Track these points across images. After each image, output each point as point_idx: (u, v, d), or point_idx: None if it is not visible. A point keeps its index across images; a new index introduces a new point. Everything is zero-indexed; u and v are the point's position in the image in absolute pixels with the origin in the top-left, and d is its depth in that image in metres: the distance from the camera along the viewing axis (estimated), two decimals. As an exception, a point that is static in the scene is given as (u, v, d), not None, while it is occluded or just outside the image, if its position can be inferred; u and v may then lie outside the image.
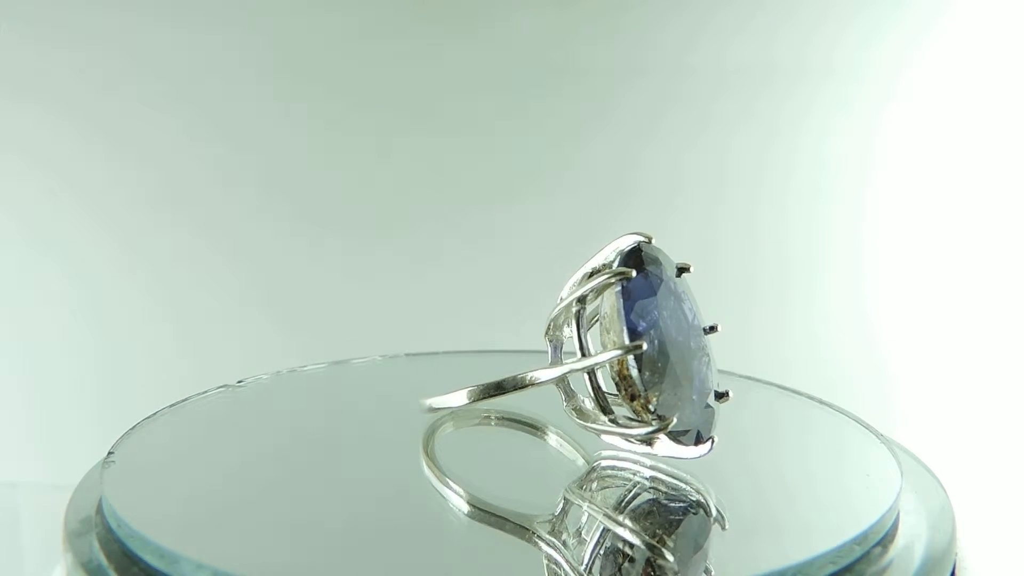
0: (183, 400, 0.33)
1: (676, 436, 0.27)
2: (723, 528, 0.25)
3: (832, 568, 0.23)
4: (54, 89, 0.51)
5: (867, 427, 0.31)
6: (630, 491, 0.27)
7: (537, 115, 0.50)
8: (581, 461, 0.29)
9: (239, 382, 0.35)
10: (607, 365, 0.26)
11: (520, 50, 0.50)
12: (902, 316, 0.50)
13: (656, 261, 0.27)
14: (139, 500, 0.26)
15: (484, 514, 0.26)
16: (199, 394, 0.33)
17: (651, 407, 0.26)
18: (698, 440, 0.27)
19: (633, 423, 0.27)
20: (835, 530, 0.25)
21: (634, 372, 0.26)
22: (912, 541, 0.25)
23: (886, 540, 0.25)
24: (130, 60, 0.51)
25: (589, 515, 0.26)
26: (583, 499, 0.27)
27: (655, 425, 0.26)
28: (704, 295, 0.50)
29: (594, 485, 0.28)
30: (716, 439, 0.27)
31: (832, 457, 0.31)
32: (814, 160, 0.50)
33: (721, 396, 0.28)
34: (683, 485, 0.27)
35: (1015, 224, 0.49)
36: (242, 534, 0.26)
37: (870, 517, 0.25)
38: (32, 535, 0.52)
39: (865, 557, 0.24)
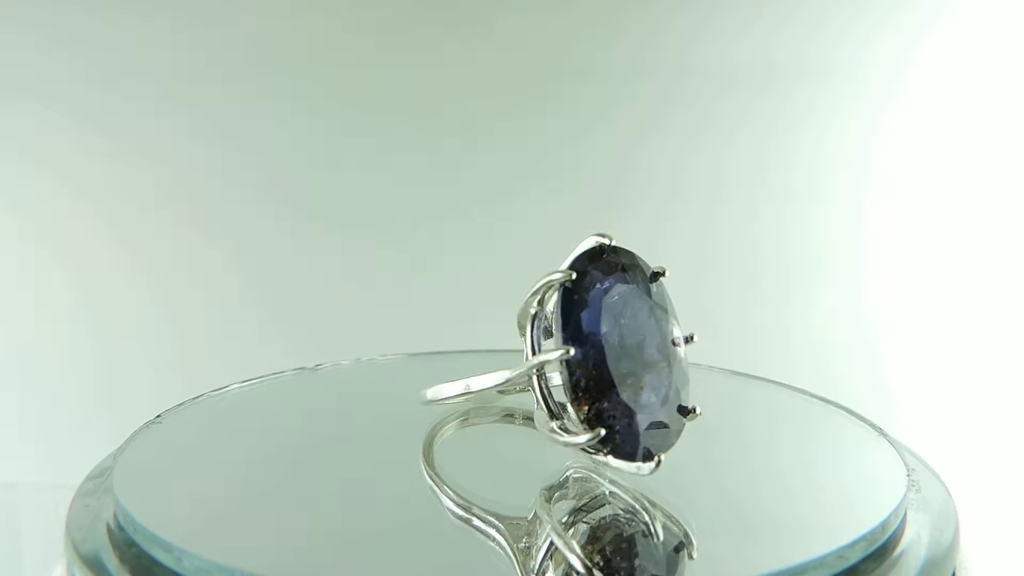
0: (259, 378, 0.34)
1: (620, 450, 0.26)
2: (691, 557, 0.24)
3: (836, 569, 0.23)
4: (54, 89, 0.51)
5: (872, 426, 0.30)
6: (588, 504, 0.27)
7: (537, 115, 0.50)
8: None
9: (317, 366, 0.35)
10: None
11: (520, 50, 0.50)
12: (902, 315, 0.50)
13: (617, 265, 0.27)
14: (145, 498, 0.26)
15: (462, 515, 0.26)
16: (274, 374, 0.34)
17: (580, 416, 0.26)
18: (647, 457, 0.26)
19: (572, 431, 0.26)
20: (840, 531, 0.24)
21: (565, 378, 0.26)
22: (914, 541, 0.25)
23: (892, 541, 0.25)
24: (130, 60, 0.51)
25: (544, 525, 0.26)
26: (543, 508, 0.26)
27: (585, 436, 0.25)
28: (704, 295, 0.50)
29: (563, 493, 0.27)
30: (662, 458, 0.26)
31: (837, 456, 0.31)
32: (814, 160, 0.50)
33: (687, 412, 0.26)
34: (635, 504, 0.26)
35: (1014, 224, 0.49)
36: (247, 533, 0.26)
37: (876, 517, 0.25)
38: (32, 535, 0.52)
39: (870, 558, 0.24)
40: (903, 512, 0.25)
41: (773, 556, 0.24)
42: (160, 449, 0.29)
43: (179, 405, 0.32)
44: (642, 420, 0.26)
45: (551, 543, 0.24)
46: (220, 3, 0.50)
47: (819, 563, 0.23)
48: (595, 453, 0.26)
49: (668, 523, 0.25)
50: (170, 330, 0.52)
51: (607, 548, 0.24)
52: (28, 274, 0.52)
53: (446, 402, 0.29)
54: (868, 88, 0.49)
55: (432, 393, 0.30)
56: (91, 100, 0.51)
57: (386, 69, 0.50)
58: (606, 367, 0.25)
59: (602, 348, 0.26)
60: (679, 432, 0.26)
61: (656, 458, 0.26)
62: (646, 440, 0.26)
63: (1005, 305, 0.49)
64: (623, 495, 0.26)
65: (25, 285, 0.53)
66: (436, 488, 0.27)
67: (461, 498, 0.27)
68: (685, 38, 0.49)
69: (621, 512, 0.26)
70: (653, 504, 0.26)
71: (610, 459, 0.26)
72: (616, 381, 0.26)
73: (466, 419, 0.31)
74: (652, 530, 0.25)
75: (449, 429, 0.30)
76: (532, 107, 0.50)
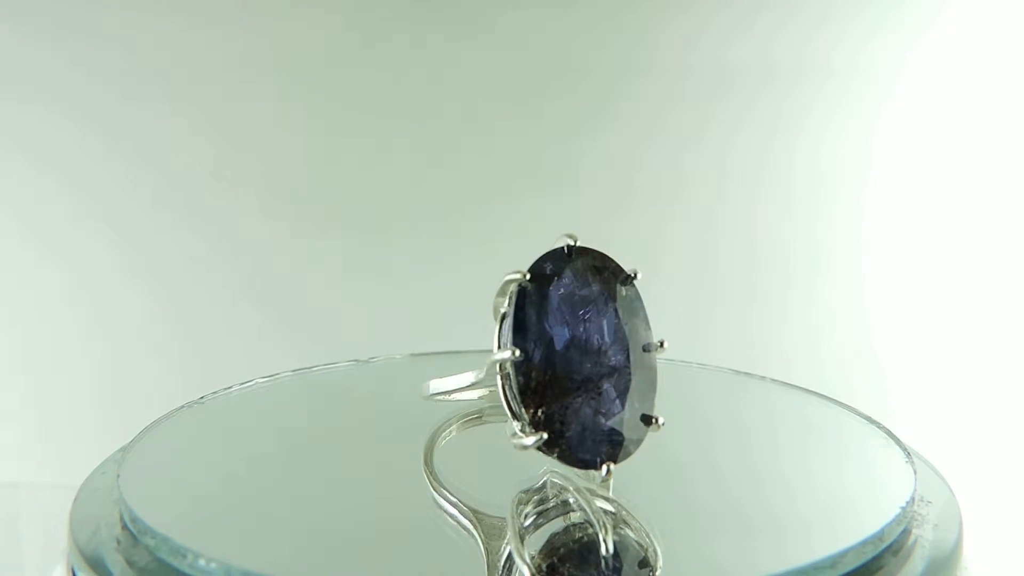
0: (310, 367, 0.34)
1: (567, 456, 0.25)
2: (653, 574, 0.23)
3: (840, 570, 0.23)
4: (54, 89, 0.51)
5: (877, 425, 0.30)
6: (556, 508, 0.26)
7: (537, 115, 0.50)
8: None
9: (371, 358, 0.35)
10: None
11: (520, 50, 0.50)
12: (902, 315, 0.50)
13: (584, 267, 0.26)
14: (150, 496, 0.26)
15: (453, 513, 0.26)
16: (325, 364, 0.34)
17: (528, 418, 0.25)
18: (595, 464, 0.25)
19: (523, 433, 0.25)
20: (845, 532, 0.24)
21: (515, 379, 0.25)
22: (918, 541, 0.25)
23: (897, 542, 0.25)
24: (130, 60, 0.51)
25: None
26: (510, 511, 0.25)
27: (531, 439, 0.25)
28: (704, 295, 0.50)
29: (543, 495, 0.27)
30: (612, 468, 0.25)
31: (841, 455, 0.31)
32: (814, 160, 0.50)
33: (649, 421, 0.26)
34: (591, 515, 0.25)
35: (1014, 223, 0.49)
36: (253, 532, 0.26)
37: (882, 519, 0.24)
38: (32, 535, 0.52)
39: (874, 560, 0.24)
40: (910, 514, 0.25)
41: (777, 558, 0.24)
42: (167, 446, 0.29)
43: (227, 389, 0.32)
44: (596, 426, 0.25)
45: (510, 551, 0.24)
46: (220, 3, 0.50)
47: (823, 564, 0.23)
48: (548, 456, 0.25)
49: (638, 536, 0.25)
50: (171, 330, 0.52)
51: (556, 557, 0.24)
52: (28, 274, 0.52)
53: (449, 398, 0.29)
54: (868, 88, 0.49)
55: (431, 387, 0.30)
56: (91, 100, 0.51)
57: (386, 68, 0.50)
58: (558, 369, 0.25)
59: (554, 350, 0.25)
60: (639, 442, 0.26)
61: (605, 467, 0.25)
62: (599, 447, 0.25)
63: (1006, 304, 0.49)
64: (584, 504, 0.25)
65: (25, 285, 0.52)
66: (433, 488, 0.27)
67: (454, 497, 0.27)
68: (685, 38, 0.49)
69: (585, 521, 0.25)
70: (607, 514, 0.25)
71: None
72: (568, 384, 0.25)
73: (479, 418, 0.30)
74: (601, 541, 0.24)
75: (454, 429, 0.30)
76: (532, 107, 0.50)
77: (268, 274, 0.52)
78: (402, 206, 0.52)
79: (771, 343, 0.51)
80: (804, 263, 0.50)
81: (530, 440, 0.25)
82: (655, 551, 0.24)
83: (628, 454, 0.26)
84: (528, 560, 0.23)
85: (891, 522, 0.24)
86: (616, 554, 0.24)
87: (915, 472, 0.27)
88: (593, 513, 0.25)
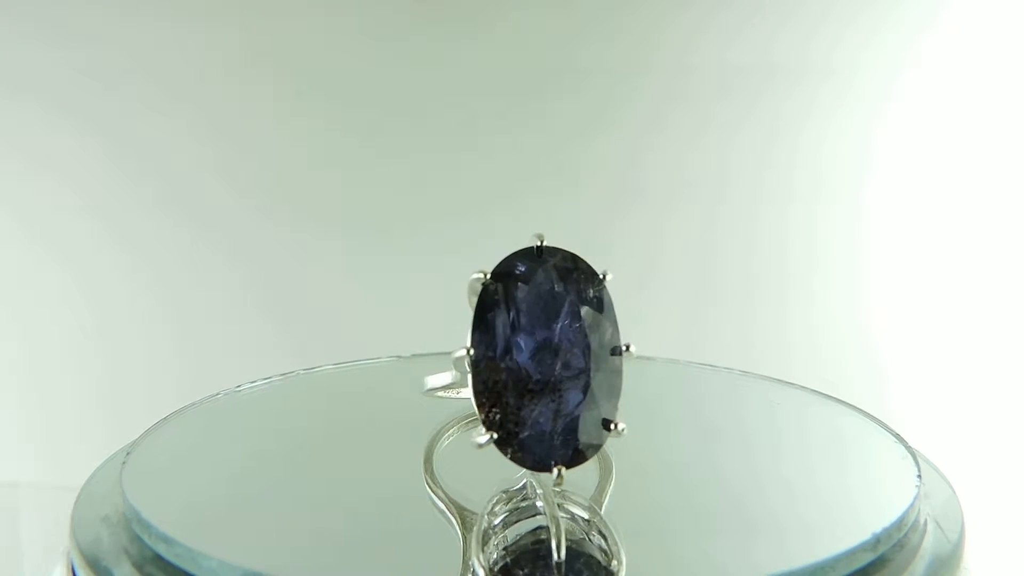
0: (352, 361, 0.34)
1: (518, 456, 0.25)
2: None
3: (843, 571, 0.23)
4: (54, 89, 0.51)
5: (881, 424, 0.30)
6: (527, 508, 0.26)
7: (538, 116, 0.50)
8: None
9: (414, 355, 0.36)
10: None
11: (520, 50, 0.50)
12: (902, 315, 0.50)
13: (552, 267, 0.25)
14: (152, 495, 0.26)
15: (445, 511, 0.26)
16: (369, 359, 0.35)
17: (481, 416, 0.25)
18: (547, 466, 0.25)
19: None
20: (848, 532, 0.24)
21: (471, 378, 0.25)
22: (920, 541, 0.25)
23: (900, 542, 0.24)
24: (130, 60, 0.51)
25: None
26: (484, 510, 0.25)
27: (483, 437, 0.24)
28: (704, 294, 0.50)
29: (516, 497, 0.26)
30: (562, 471, 0.25)
31: (844, 455, 0.31)
32: (814, 160, 0.50)
33: (609, 425, 0.25)
34: (549, 520, 0.24)
35: (1014, 223, 0.49)
36: (252, 531, 0.26)
37: (886, 519, 0.24)
38: (32, 535, 0.52)
39: (877, 561, 0.24)
40: (912, 514, 0.25)
41: (778, 558, 0.24)
42: (169, 446, 0.29)
43: (266, 379, 0.32)
44: (553, 429, 0.25)
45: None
46: (220, 3, 0.50)
47: (824, 565, 0.23)
48: (504, 456, 0.25)
49: (610, 545, 0.24)
50: (172, 330, 0.52)
51: (510, 558, 0.24)
52: (29, 274, 0.52)
53: (458, 395, 0.29)
54: (868, 88, 0.49)
55: (427, 384, 0.30)
56: (91, 100, 0.51)
57: (386, 69, 0.50)
58: (519, 370, 0.25)
59: (516, 350, 0.25)
60: (597, 446, 0.25)
61: (556, 469, 0.25)
62: (554, 450, 0.25)
63: (1005, 304, 0.49)
64: (546, 507, 0.25)
65: (26, 285, 0.53)
66: (428, 487, 0.27)
67: (443, 493, 0.27)
68: (685, 38, 0.49)
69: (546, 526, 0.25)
70: (557, 520, 0.24)
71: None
72: (530, 386, 0.25)
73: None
74: (554, 548, 0.23)
75: (458, 428, 0.30)
76: (532, 107, 0.50)
77: (268, 274, 0.52)
78: (402, 206, 0.52)
79: (771, 343, 0.51)
80: (804, 263, 0.50)
81: (482, 439, 0.25)
82: (620, 561, 0.23)
83: (584, 459, 0.25)
84: (482, 559, 0.23)
85: (893, 523, 0.24)
86: (573, 559, 0.23)
87: (917, 471, 0.27)
88: (551, 518, 0.24)
